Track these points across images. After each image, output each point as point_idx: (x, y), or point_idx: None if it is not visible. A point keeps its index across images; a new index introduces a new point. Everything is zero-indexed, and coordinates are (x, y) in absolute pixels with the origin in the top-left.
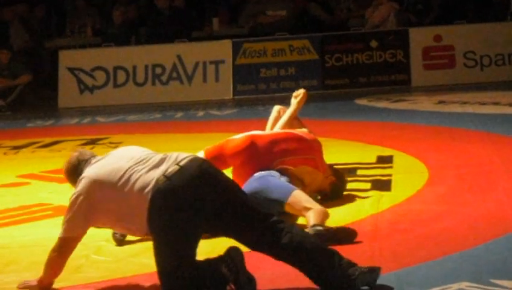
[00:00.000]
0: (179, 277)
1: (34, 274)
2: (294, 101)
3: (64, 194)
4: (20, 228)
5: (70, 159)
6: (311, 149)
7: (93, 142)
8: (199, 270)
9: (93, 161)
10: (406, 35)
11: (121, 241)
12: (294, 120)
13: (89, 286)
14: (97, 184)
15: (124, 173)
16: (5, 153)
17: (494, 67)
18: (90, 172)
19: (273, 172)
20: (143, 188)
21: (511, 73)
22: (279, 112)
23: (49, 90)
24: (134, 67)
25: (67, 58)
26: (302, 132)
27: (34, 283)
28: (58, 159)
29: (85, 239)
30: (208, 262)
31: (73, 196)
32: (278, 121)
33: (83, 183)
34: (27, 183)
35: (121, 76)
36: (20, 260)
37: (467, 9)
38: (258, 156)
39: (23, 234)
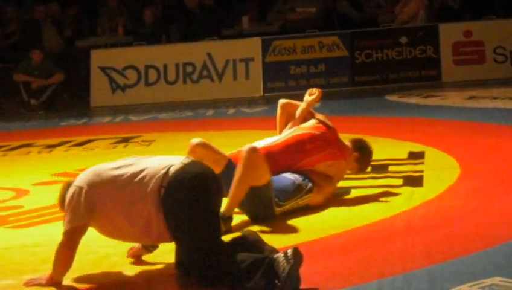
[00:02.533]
0: (212, 258)
1: (70, 271)
2: (308, 98)
3: None
4: (55, 226)
5: (60, 192)
6: (324, 143)
7: (126, 140)
8: (233, 257)
9: None
10: (436, 31)
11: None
12: (307, 114)
13: (122, 283)
14: (95, 173)
15: (124, 164)
16: (39, 152)
17: None
18: (87, 169)
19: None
20: (153, 174)
21: None
22: (283, 108)
23: (82, 90)
24: (165, 66)
25: (99, 58)
26: (311, 127)
27: (43, 280)
28: (92, 157)
29: None
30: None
31: (72, 189)
32: (283, 117)
33: (80, 177)
34: (62, 181)
35: (152, 75)
36: None
37: (497, 5)
38: (273, 167)
39: (58, 233)
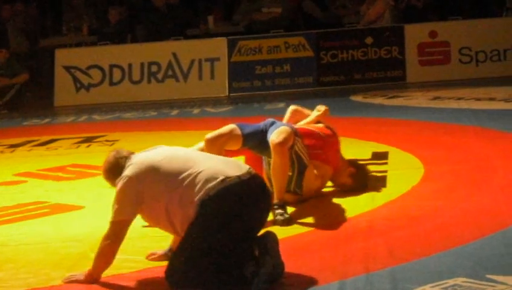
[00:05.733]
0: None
1: (32, 271)
2: (316, 113)
3: (61, 192)
4: (17, 226)
5: (108, 159)
6: (324, 144)
7: (89, 140)
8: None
9: (133, 156)
10: (401, 32)
11: None
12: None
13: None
14: (150, 167)
15: (180, 160)
16: (1, 152)
17: (489, 63)
18: (142, 158)
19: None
20: (206, 180)
21: (506, 69)
22: (293, 114)
23: (46, 89)
24: (130, 66)
25: (64, 57)
26: (317, 127)
27: (82, 276)
28: (55, 157)
29: (82, 236)
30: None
31: (123, 180)
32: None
33: (134, 167)
34: (24, 181)
35: (117, 74)
36: (17, 258)
37: (463, 5)
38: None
39: (20, 233)
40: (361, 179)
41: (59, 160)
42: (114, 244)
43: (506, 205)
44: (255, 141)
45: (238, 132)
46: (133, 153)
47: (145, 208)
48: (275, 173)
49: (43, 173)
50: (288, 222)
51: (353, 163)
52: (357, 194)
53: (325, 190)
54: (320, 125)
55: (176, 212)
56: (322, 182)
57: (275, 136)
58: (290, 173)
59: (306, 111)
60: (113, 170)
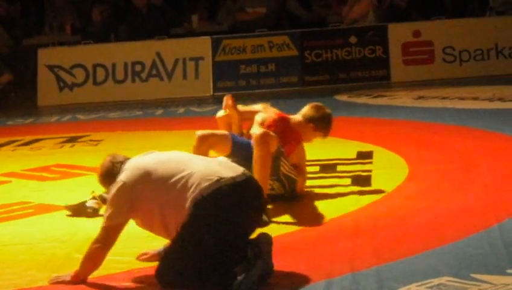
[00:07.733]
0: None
1: (18, 272)
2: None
3: (45, 192)
4: (2, 227)
5: (103, 163)
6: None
7: (73, 139)
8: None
9: (128, 161)
10: (385, 31)
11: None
12: (245, 114)
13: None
14: (145, 172)
15: (173, 162)
16: None
17: (473, 62)
18: (136, 163)
19: None
20: (199, 181)
21: (490, 68)
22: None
23: (29, 88)
24: (114, 65)
25: (47, 56)
26: (270, 116)
27: (68, 277)
28: (39, 157)
29: (66, 237)
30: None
31: (117, 185)
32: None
33: (128, 172)
34: (8, 181)
35: (101, 73)
36: (2, 258)
37: (446, 5)
38: None
39: (4, 233)
40: (325, 125)
41: (43, 160)
42: (104, 248)
43: (490, 204)
44: (242, 154)
45: (230, 138)
46: (128, 158)
47: (139, 212)
48: (255, 166)
49: (27, 173)
50: (263, 224)
51: (306, 117)
52: (343, 194)
53: (310, 190)
54: (258, 117)
55: (171, 214)
56: (302, 163)
57: (255, 130)
58: (283, 192)
59: (234, 119)
60: (108, 175)
